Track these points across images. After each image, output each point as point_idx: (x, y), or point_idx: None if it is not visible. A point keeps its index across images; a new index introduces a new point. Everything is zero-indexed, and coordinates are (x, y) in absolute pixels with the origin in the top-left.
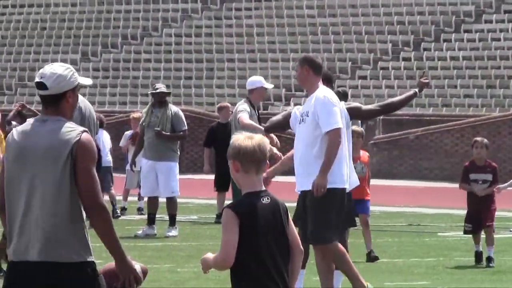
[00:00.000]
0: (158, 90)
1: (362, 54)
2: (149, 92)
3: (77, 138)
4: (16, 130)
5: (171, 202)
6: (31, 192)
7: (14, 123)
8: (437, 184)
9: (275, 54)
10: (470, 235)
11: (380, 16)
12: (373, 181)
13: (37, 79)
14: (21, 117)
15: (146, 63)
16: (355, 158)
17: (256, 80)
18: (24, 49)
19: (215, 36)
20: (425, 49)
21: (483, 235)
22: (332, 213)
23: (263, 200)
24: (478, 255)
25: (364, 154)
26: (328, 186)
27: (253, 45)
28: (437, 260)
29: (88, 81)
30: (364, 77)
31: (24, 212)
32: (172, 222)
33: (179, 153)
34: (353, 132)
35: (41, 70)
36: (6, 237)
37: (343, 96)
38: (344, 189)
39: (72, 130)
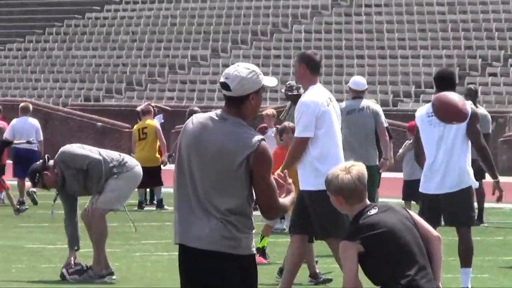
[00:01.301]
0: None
1: (492, 51)
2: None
3: (255, 147)
4: (196, 118)
5: None
6: (197, 184)
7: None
8: None
9: (405, 51)
10: None
11: (510, 13)
12: (504, 179)
13: (221, 79)
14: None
15: (275, 59)
16: None
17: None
18: (154, 45)
19: (345, 33)
20: None
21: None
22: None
23: (369, 212)
24: None
25: None
26: (319, 188)
27: (382, 42)
28: None
29: (273, 82)
30: (494, 74)
31: (190, 200)
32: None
33: None
34: None
35: (226, 70)
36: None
37: (475, 94)
38: None
39: (251, 136)
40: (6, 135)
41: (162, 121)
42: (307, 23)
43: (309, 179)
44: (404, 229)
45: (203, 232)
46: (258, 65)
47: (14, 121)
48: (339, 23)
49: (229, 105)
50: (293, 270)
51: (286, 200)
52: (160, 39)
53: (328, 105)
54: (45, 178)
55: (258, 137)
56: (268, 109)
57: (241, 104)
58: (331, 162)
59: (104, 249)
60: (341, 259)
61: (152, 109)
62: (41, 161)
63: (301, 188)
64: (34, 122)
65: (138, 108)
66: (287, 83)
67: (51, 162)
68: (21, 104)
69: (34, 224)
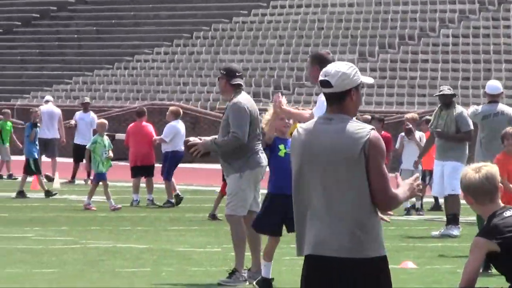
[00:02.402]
0: (441, 93)
1: None
2: (435, 95)
3: (368, 137)
4: (301, 127)
5: (451, 201)
6: (323, 190)
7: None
8: None
9: None
10: None
11: None
12: None
13: (321, 78)
14: None
15: (423, 63)
16: None
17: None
18: (301, 49)
19: (493, 37)
20: None
21: None
22: None
23: (505, 214)
24: None
25: None
26: None
27: None
28: None
29: (370, 80)
30: None
31: (317, 209)
32: (452, 221)
33: (467, 153)
34: None
35: (324, 69)
36: None
37: None
38: None
39: (361, 128)
40: (164, 137)
41: None
42: (454, 27)
43: None
44: None
45: (329, 239)
46: (405, 69)
47: (173, 123)
48: (487, 27)
49: (331, 104)
50: None
51: (398, 191)
52: (307, 43)
53: None
54: (224, 82)
55: (368, 126)
56: (409, 113)
57: (343, 101)
58: None
59: (256, 251)
60: (470, 254)
61: None
62: (240, 79)
63: None
64: (181, 126)
65: None
66: (446, 87)
67: (240, 90)
68: (172, 108)
69: (183, 227)
